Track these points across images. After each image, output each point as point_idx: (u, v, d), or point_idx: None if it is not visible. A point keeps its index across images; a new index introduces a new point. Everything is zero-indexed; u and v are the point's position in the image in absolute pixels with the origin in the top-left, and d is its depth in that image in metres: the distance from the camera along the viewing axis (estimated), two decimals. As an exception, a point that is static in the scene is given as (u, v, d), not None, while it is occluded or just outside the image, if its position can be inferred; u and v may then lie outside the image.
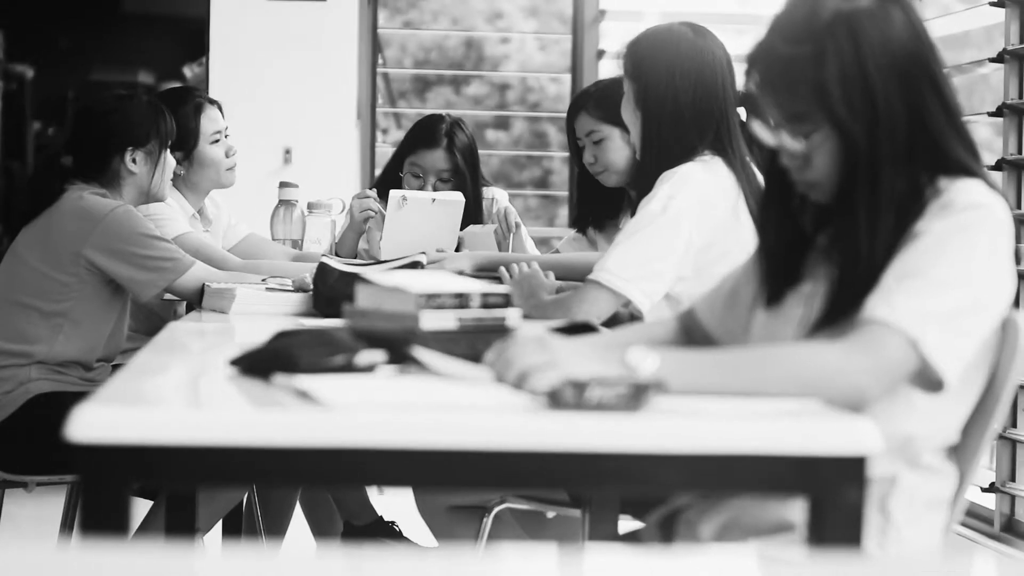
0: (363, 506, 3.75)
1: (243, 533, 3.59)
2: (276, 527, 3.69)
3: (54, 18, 8.50)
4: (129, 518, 1.52)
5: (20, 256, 3.23)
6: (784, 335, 1.91)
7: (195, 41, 6.28)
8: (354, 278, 2.39)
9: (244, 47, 5.49)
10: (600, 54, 5.67)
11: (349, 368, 1.80)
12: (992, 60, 3.84)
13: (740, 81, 2.50)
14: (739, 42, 2.69)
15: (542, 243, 5.34)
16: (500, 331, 1.93)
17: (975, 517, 3.83)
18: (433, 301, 1.92)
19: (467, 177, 3.80)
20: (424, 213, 3.51)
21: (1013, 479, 3.76)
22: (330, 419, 1.54)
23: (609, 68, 5.61)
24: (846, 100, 1.81)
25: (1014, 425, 3.73)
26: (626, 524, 2.75)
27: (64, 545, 3.14)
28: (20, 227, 3.26)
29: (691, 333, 2.11)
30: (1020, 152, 3.76)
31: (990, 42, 4.32)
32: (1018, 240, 3.30)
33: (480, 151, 3.90)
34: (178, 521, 2.82)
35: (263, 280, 3.11)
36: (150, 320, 3.55)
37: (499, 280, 2.95)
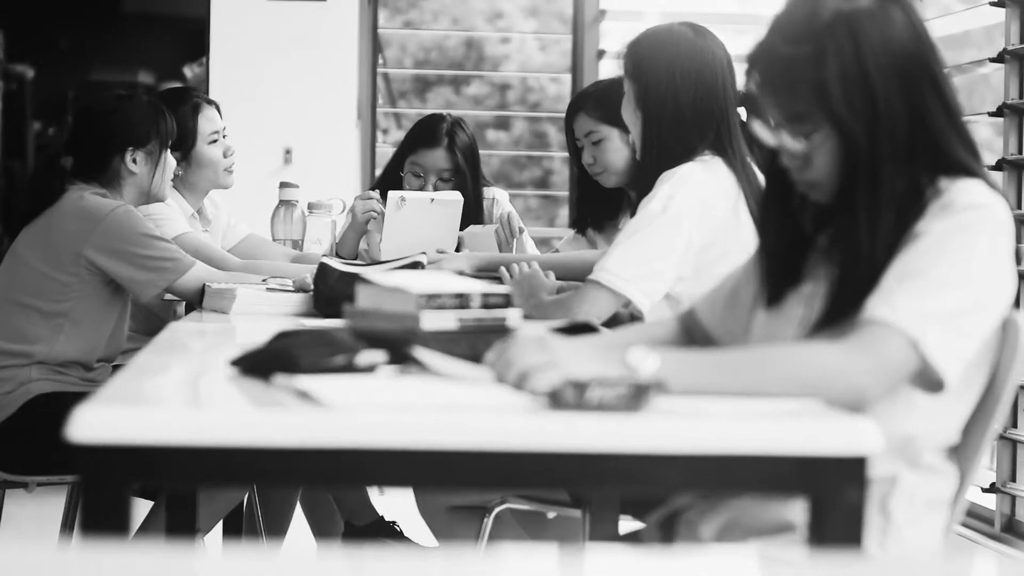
0: (364, 506, 3.75)
1: (244, 533, 3.59)
2: (277, 527, 3.69)
3: (54, 18, 8.50)
4: (130, 518, 1.52)
5: (20, 256, 3.23)
6: (784, 335, 1.91)
7: (195, 41, 6.28)
8: (354, 278, 2.39)
9: (244, 47, 5.49)
10: (600, 54, 5.67)
11: (350, 368, 1.80)
12: (992, 60, 3.84)
13: (740, 81, 2.50)
14: (739, 42, 2.69)
15: (542, 243, 5.34)
16: (500, 331, 1.93)
17: (976, 517, 3.83)
18: (433, 301, 1.92)
19: (468, 176, 3.80)
20: (423, 213, 3.51)
21: (1014, 479, 3.76)
22: (331, 419, 1.54)
23: (609, 68, 5.61)
24: (846, 100, 1.81)
25: (1015, 425, 3.73)
26: (627, 524, 2.75)
27: (65, 545, 3.14)
28: (20, 227, 3.26)
29: (691, 333, 2.11)
30: (1020, 152, 3.76)
31: (990, 42, 4.32)
32: (1018, 240, 3.30)
33: (480, 151, 3.90)
34: (179, 521, 2.82)
35: (264, 280, 3.11)
36: (150, 320, 3.55)
37: (499, 280, 2.95)
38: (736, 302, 2.06)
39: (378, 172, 4.90)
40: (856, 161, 1.82)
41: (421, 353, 1.83)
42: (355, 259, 3.69)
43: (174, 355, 2.18)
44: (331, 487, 3.40)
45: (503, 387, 1.69)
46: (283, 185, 3.82)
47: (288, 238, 3.78)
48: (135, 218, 3.18)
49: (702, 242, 2.75)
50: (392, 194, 3.55)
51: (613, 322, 2.79)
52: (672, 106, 2.79)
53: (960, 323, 1.76)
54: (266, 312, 2.89)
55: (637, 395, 1.58)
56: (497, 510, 2.88)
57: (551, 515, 3.17)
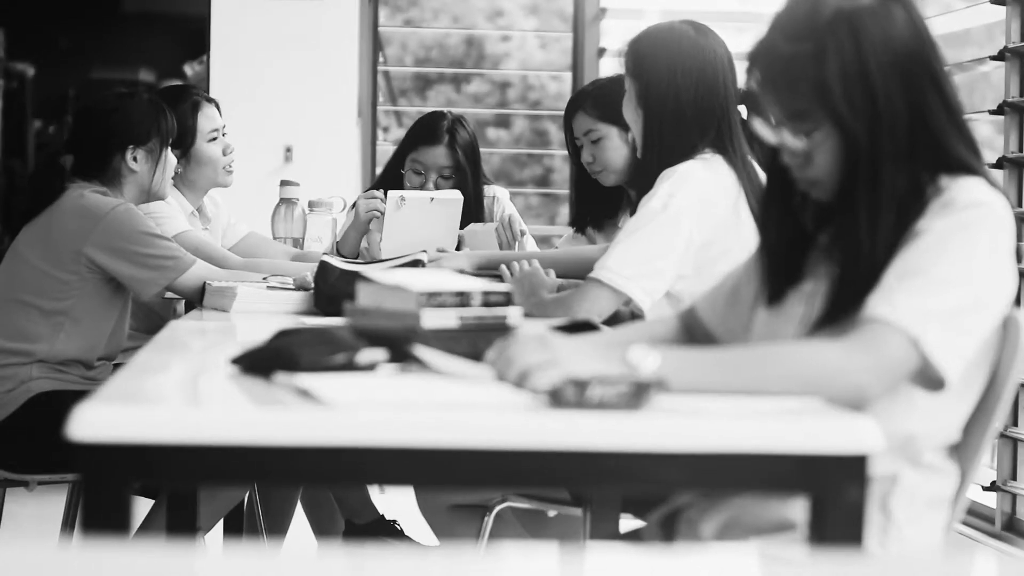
0: (364, 505, 3.75)
1: (244, 532, 3.59)
2: (277, 526, 3.69)
3: (55, 17, 8.50)
4: (130, 517, 1.52)
5: (21, 254, 3.23)
6: (785, 334, 1.91)
7: (196, 40, 6.28)
8: (355, 277, 2.39)
9: (245, 45, 5.49)
10: (601, 52, 5.67)
11: (350, 367, 1.80)
12: (993, 58, 3.84)
13: (741, 79, 2.50)
14: (740, 40, 2.69)
15: (543, 241, 5.34)
16: (501, 330, 1.93)
17: (976, 516, 3.83)
18: (434, 299, 1.92)
19: (468, 174, 3.80)
20: (423, 212, 3.51)
21: (1014, 478, 3.76)
22: (331, 418, 1.54)
23: (610, 66, 5.61)
24: (847, 98, 1.80)
25: (1015, 424, 3.73)
26: (627, 523, 2.75)
27: (65, 544, 3.14)
28: (21, 226, 3.26)
29: (692, 331, 2.11)
30: (1021, 150, 3.76)
31: (991, 40, 4.32)
32: (1019, 238, 3.30)
33: (481, 149, 3.90)
34: (179, 520, 2.82)
35: (264, 279, 3.11)
36: (151, 319, 3.55)
37: (500, 278, 2.95)
38: (737, 300, 2.06)
39: (379, 170, 4.90)
40: (857, 159, 1.82)
41: (422, 351, 1.83)
42: (356, 258, 3.69)
43: (174, 353, 2.18)
44: (332, 486, 3.40)
45: (504, 385, 1.69)
46: (284, 183, 3.82)
47: (289, 236, 3.78)
48: (136, 216, 3.18)
49: (703, 240, 2.75)
50: (392, 193, 3.55)
51: (614, 320, 2.79)
52: (673, 104, 2.79)
53: (961, 321, 1.76)
54: (267, 310, 2.89)
55: (638, 393, 1.58)
56: (498, 509, 2.88)
57: (552, 514, 3.17)
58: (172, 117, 3.36)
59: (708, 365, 1.75)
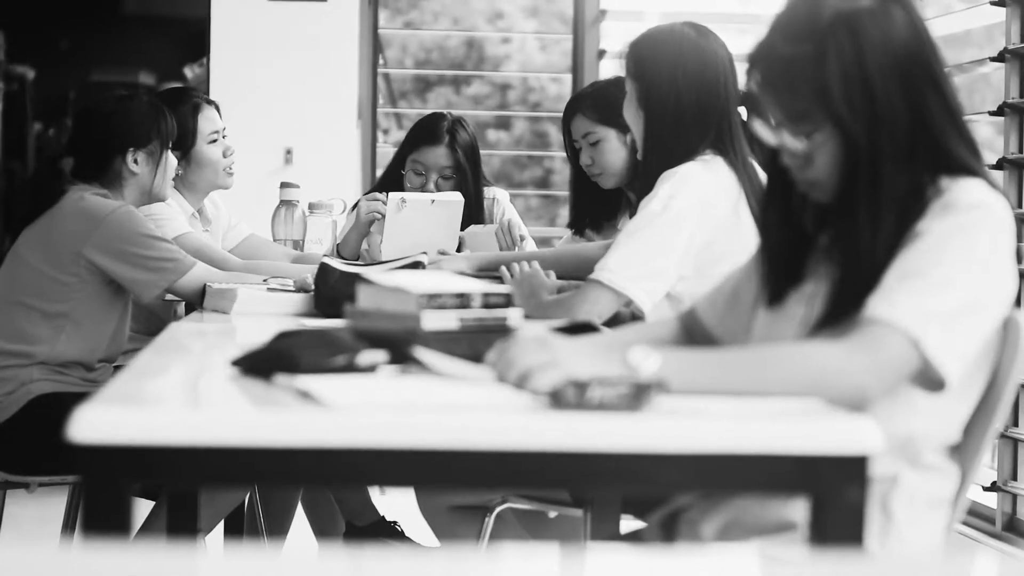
0: (365, 506, 3.75)
1: (245, 534, 3.59)
2: (278, 527, 3.69)
3: (55, 19, 8.50)
4: (131, 519, 1.52)
5: (21, 257, 3.23)
6: (786, 335, 1.91)
7: (196, 42, 6.28)
8: (355, 278, 2.39)
9: (245, 47, 5.49)
10: (601, 54, 5.67)
11: (350, 368, 1.80)
12: (993, 59, 3.84)
13: (742, 81, 2.50)
14: (740, 42, 2.69)
15: (543, 243, 5.34)
16: (501, 331, 1.93)
17: (977, 516, 3.83)
18: (434, 301, 1.92)
19: (469, 174, 3.80)
20: (424, 214, 3.51)
21: (1015, 478, 3.76)
22: (331, 419, 1.54)
23: (610, 68, 5.61)
24: (847, 99, 1.81)
25: (1015, 424, 3.73)
26: (628, 524, 2.75)
27: (66, 546, 3.14)
28: (21, 228, 3.26)
29: (692, 333, 2.11)
30: (1021, 151, 3.76)
31: (991, 41, 4.32)
32: (1019, 239, 3.30)
33: (481, 151, 3.90)
34: (180, 522, 2.82)
35: (264, 280, 3.11)
36: (151, 321, 3.55)
37: (500, 280, 2.95)
38: (737, 301, 2.06)
39: (379, 173, 4.90)
40: (857, 160, 1.82)
41: (422, 353, 1.83)
42: (356, 260, 3.69)
43: (175, 355, 2.18)
44: (332, 487, 3.40)
45: (504, 387, 1.69)
46: (284, 185, 3.83)
47: (289, 238, 3.78)
48: (136, 218, 3.19)
49: (703, 241, 2.75)
50: (392, 195, 3.55)
51: (614, 321, 2.79)
52: (674, 106, 2.79)
53: (961, 322, 1.76)
54: (267, 312, 2.89)
55: (638, 395, 1.58)
56: (498, 510, 2.88)
57: (552, 515, 3.17)
58: (172, 119, 3.37)
59: (708, 366, 1.75)
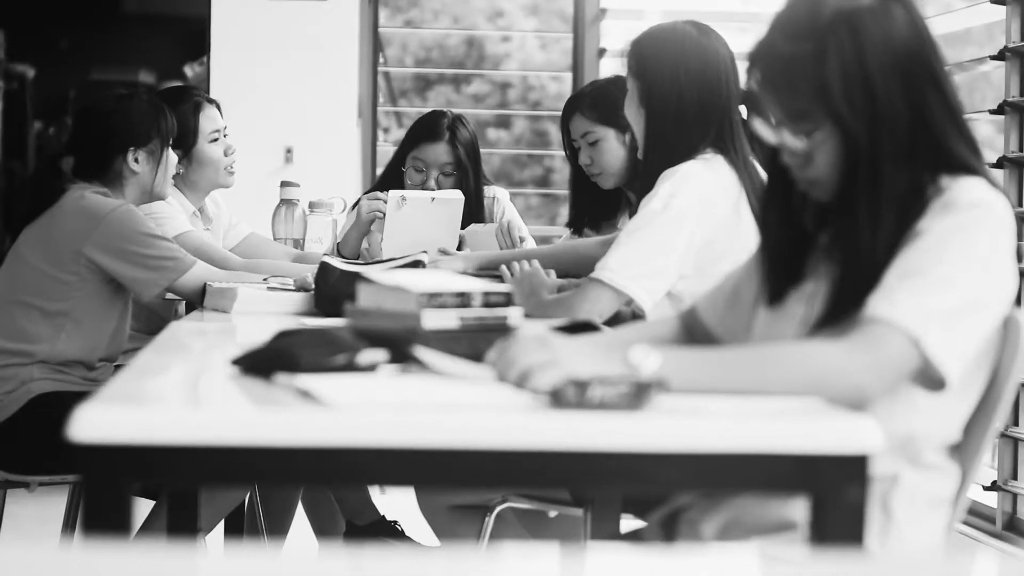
0: (365, 505, 3.75)
1: (245, 533, 3.59)
2: (278, 527, 3.69)
3: (55, 18, 8.50)
4: (131, 518, 1.52)
5: (22, 256, 3.23)
6: (786, 334, 1.90)
7: (196, 41, 6.28)
8: (355, 277, 2.39)
9: (245, 46, 5.49)
10: (601, 52, 5.67)
11: (351, 367, 1.80)
12: (993, 58, 3.83)
13: (743, 79, 2.49)
14: (741, 40, 2.69)
15: (543, 242, 5.34)
16: (502, 330, 1.93)
17: (977, 515, 3.83)
18: (435, 300, 1.92)
19: (469, 171, 3.80)
20: (424, 213, 3.51)
21: (1015, 477, 3.76)
22: (332, 419, 1.54)
23: (610, 66, 5.61)
24: (847, 98, 1.80)
25: (1016, 423, 3.73)
26: (628, 523, 2.75)
27: (66, 545, 3.14)
28: (22, 227, 3.26)
29: (693, 332, 2.11)
30: (1021, 150, 3.76)
31: (991, 39, 4.32)
32: (1020, 238, 3.30)
33: (481, 149, 3.90)
34: (180, 521, 2.82)
35: (265, 279, 3.11)
36: (152, 320, 3.55)
37: (500, 279, 2.95)
38: (737, 300, 2.06)
39: (379, 171, 4.90)
40: (857, 159, 1.82)
41: (422, 352, 1.83)
42: (357, 259, 3.69)
43: (175, 354, 2.18)
44: (332, 486, 3.40)
45: (504, 386, 1.69)
46: (284, 184, 3.83)
47: (289, 237, 3.78)
48: (136, 217, 3.19)
49: (703, 240, 2.75)
50: (392, 193, 3.55)
51: (615, 320, 2.79)
52: (676, 104, 2.79)
53: (961, 321, 1.76)
54: (267, 311, 2.89)
55: (638, 394, 1.58)
56: (498, 509, 2.88)
57: (552, 514, 3.17)
58: (172, 117, 3.37)
59: (709, 365, 1.75)
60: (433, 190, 3.75)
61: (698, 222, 2.75)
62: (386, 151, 5.48)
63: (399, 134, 6.00)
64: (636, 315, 2.91)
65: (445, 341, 1.87)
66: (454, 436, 1.53)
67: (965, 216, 1.79)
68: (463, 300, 1.94)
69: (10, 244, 3.29)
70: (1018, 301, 1.89)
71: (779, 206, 1.95)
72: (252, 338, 1.91)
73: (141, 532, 3.21)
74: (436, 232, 3.50)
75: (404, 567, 1.09)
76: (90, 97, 4.70)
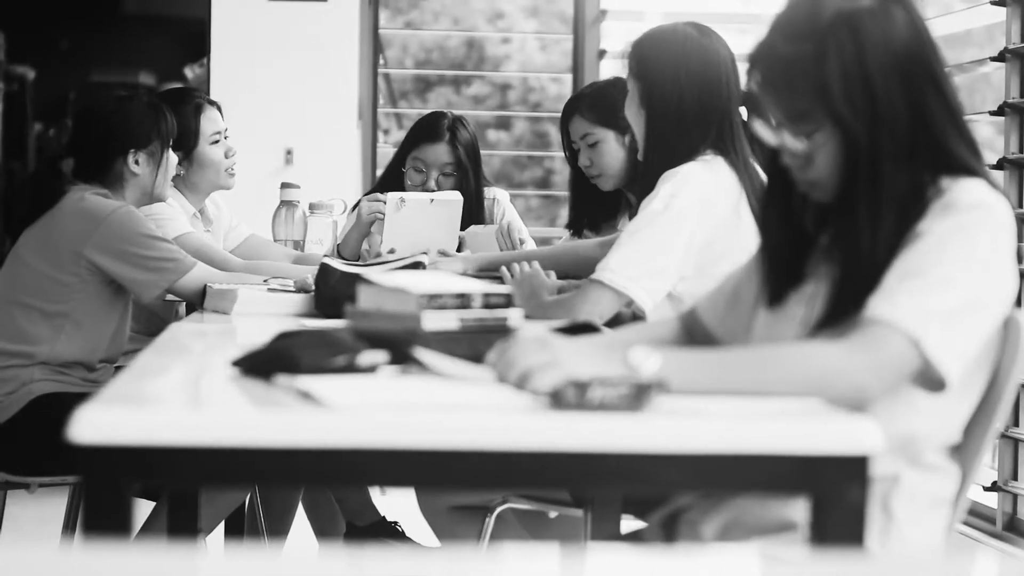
0: (365, 506, 3.75)
1: (245, 534, 3.59)
2: (278, 528, 3.69)
3: (55, 19, 8.50)
4: (131, 519, 1.52)
5: (22, 257, 3.23)
6: (786, 335, 1.90)
7: (196, 42, 6.28)
8: (356, 279, 2.39)
9: (245, 48, 5.49)
10: (601, 54, 5.67)
11: (351, 369, 1.80)
12: (993, 59, 3.84)
13: (744, 81, 2.49)
14: (742, 42, 2.69)
15: (543, 244, 5.34)
16: (502, 331, 1.93)
17: (977, 516, 3.83)
18: (435, 301, 1.92)
19: (469, 172, 3.81)
20: (423, 214, 3.51)
21: (1015, 478, 3.76)
22: (332, 420, 1.54)
23: (611, 68, 5.61)
24: (847, 99, 1.80)
25: (1016, 424, 3.73)
26: (628, 524, 2.75)
27: (66, 546, 3.14)
28: (22, 229, 3.26)
29: (693, 333, 2.11)
30: (1021, 151, 3.76)
31: (991, 41, 4.32)
32: (1020, 239, 3.30)
33: (481, 151, 3.90)
34: (180, 522, 2.82)
35: (265, 281, 3.11)
36: (152, 321, 3.55)
37: (500, 280, 2.95)
38: (737, 301, 2.06)
39: (379, 173, 4.90)
40: (857, 160, 1.82)
41: (422, 353, 1.83)
42: (357, 260, 3.69)
43: (175, 356, 2.18)
44: (333, 487, 3.40)
45: (504, 387, 1.69)
46: (284, 186, 3.83)
47: (289, 239, 3.78)
48: (136, 219, 3.19)
49: (704, 241, 2.75)
50: (391, 195, 3.55)
51: (615, 321, 2.79)
52: (676, 105, 2.79)
53: (961, 322, 1.76)
54: (267, 313, 2.89)
55: (639, 395, 1.58)
56: (499, 510, 2.88)
57: (553, 515, 3.17)
58: (172, 117, 3.36)
59: (709, 366, 1.75)
60: (433, 191, 3.75)
61: (698, 223, 2.75)
62: (386, 152, 5.48)
63: (399, 135, 6.00)
64: (636, 316, 2.91)
65: (445, 342, 1.87)
66: (454, 437, 1.53)
67: (965, 217, 1.79)
68: (463, 301, 1.94)
69: (10, 245, 3.29)
70: (1018, 302, 1.89)
71: (779, 207, 1.95)
72: (252, 339, 1.91)
73: (141, 533, 3.21)
74: (435, 234, 3.50)
75: (404, 568, 1.09)
76: (90, 99, 4.71)
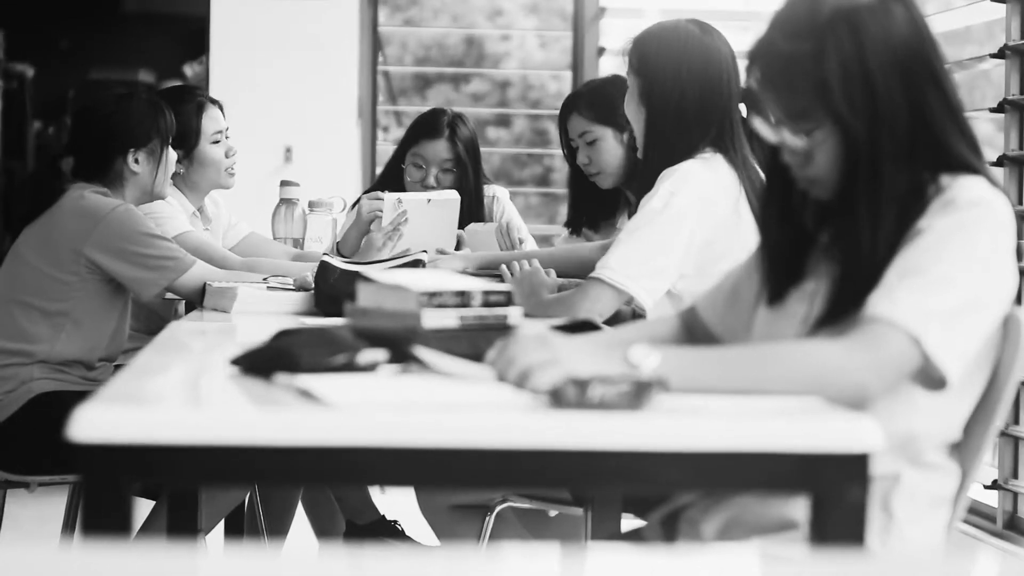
0: (365, 505, 3.75)
1: (245, 533, 3.59)
2: (278, 527, 3.69)
3: (54, 18, 8.49)
4: (131, 518, 1.52)
5: (22, 256, 3.23)
6: (786, 333, 1.90)
7: (195, 40, 6.28)
8: (355, 277, 2.39)
9: (245, 45, 5.49)
10: (601, 51, 5.67)
11: (351, 367, 1.80)
12: (993, 56, 3.83)
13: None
14: (741, 39, 2.69)
15: (543, 241, 5.34)
16: (502, 329, 1.93)
17: (978, 515, 3.83)
18: (435, 299, 1.91)
19: (469, 168, 3.81)
20: (420, 214, 3.51)
21: (1016, 476, 3.75)
22: (332, 418, 1.54)
23: (610, 65, 5.61)
24: (847, 96, 1.80)
25: (1016, 422, 3.73)
26: (628, 523, 2.75)
27: (66, 545, 3.14)
28: (21, 227, 3.27)
29: (693, 331, 2.11)
30: (1021, 148, 3.76)
31: (991, 38, 4.32)
32: (1020, 237, 3.30)
33: (481, 148, 3.90)
34: (180, 521, 2.82)
35: (264, 279, 3.11)
36: (151, 320, 3.55)
37: (500, 279, 2.95)
38: (737, 299, 2.06)
39: (379, 170, 4.89)
40: (857, 158, 1.82)
41: (422, 352, 1.82)
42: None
43: (175, 354, 2.18)
44: (332, 486, 3.40)
45: (504, 385, 1.69)
46: (284, 183, 3.83)
47: (289, 236, 3.78)
48: (136, 217, 3.19)
49: (703, 239, 2.75)
50: (389, 196, 3.55)
51: (615, 320, 2.79)
52: (677, 102, 2.79)
53: (961, 320, 1.76)
54: (267, 311, 2.89)
55: (639, 393, 1.58)
56: (499, 509, 2.88)
57: (553, 513, 3.17)
58: (171, 116, 3.36)
59: (709, 364, 1.74)
60: (432, 187, 3.76)
61: (698, 221, 2.75)
62: (386, 150, 5.48)
63: (399, 133, 5.99)
64: (636, 314, 2.91)
65: (445, 340, 1.87)
66: (454, 436, 1.53)
67: (965, 215, 1.79)
68: (463, 299, 1.94)
69: (10, 244, 3.29)
70: (1018, 300, 1.88)
71: (779, 205, 1.95)
72: (252, 338, 1.90)
73: (141, 532, 3.21)
74: (434, 233, 3.50)
75: (404, 567, 1.09)
76: (90, 97, 4.71)
